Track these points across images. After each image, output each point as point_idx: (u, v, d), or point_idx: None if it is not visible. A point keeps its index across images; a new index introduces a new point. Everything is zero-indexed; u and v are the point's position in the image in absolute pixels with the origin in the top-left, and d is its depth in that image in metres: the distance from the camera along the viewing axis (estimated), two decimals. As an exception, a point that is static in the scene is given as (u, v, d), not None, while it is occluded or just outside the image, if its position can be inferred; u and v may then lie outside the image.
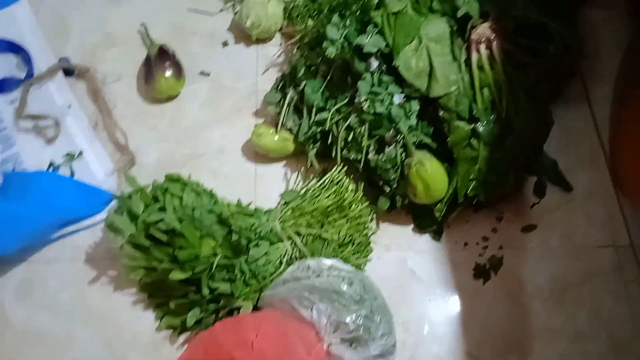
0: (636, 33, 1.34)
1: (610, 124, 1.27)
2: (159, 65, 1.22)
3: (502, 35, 1.02)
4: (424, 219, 1.14)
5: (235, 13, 1.35)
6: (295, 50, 1.27)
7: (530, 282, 1.12)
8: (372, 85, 1.04)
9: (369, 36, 1.04)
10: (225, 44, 1.34)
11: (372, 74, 1.05)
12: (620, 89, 1.30)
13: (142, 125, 1.25)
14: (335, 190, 1.05)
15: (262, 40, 1.34)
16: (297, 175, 1.20)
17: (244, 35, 1.32)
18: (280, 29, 1.34)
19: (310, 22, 1.23)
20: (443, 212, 1.09)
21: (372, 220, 1.15)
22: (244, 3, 1.27)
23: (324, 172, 1.17)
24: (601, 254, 1.15)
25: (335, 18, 1.07)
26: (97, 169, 1.18)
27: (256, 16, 1.26)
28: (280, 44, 1.35)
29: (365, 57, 1.06)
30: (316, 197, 1.05)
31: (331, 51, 1.05)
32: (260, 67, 1.32)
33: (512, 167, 1.04)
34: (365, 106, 1.03)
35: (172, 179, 1.08)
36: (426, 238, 1.17)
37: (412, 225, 1.18)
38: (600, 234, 1.17)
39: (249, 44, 1.34)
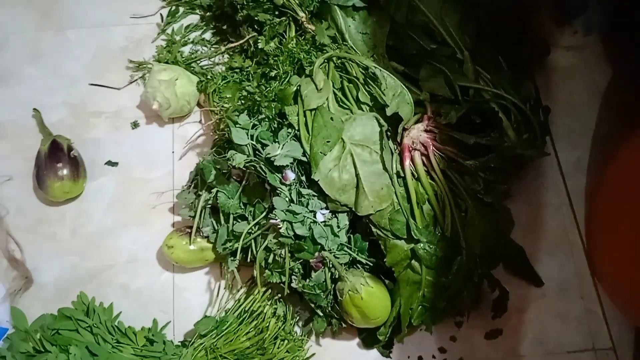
0: (615, 82, 1.14)
1: (587, 197, 1.08)
2: (50, 167, 1.03)
3: (441, 136, 0.83)
4: (369, 336, 0.97)
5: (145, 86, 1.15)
6: (212, 132, 1.08)
7: (497, 401, 0.96)
8: (290, 201, 0.85)
9: (282, 145, 0.84)
10: (135, 124, 1.14)
11: (290, 187, 0.86)
12: (597, 154, 1.11)
13: (39, 235, 1.07)
14: (255, 325, 0.88)
15: (178, 118, 1.14)
16: (221, 285, 1.03)
17: (156, 113, 1.13)
18: (199, 104, 1.14)
19: (225, 101, 1.03)
20: (387, 335, 0.92)
21: (308, 340, 0.98)
22: (148, 82, 1.08)
23: (252, 280, 0.99)
24: (579, 360, 0.99)
25: (243, 118, 0.88)
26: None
27: (163, 98, 1.06)
28: (201, 120, 1.15)
29: (279, 167, 0.86)
30: (234, 333, 0.88)
31: (239, 161, 0.86)
32: (177, 150, 1.13)
33: (465, 288, 0.86)
34: (282, 229, 0.84)
35: (64, 315, 0.91)
36: (374, 354, 1.00)
37: (357, 340, 1.00)
38: (577, 336, 1.01)
39: (163, 124, 1.15)
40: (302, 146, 0.87)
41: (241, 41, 1.10)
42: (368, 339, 0.99)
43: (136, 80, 1.17)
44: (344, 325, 0.94)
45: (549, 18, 1.14)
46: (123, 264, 1.06)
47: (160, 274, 1.05)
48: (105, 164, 1.12)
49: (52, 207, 1.10)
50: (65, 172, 1.03)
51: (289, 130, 0.89)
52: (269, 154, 0.85)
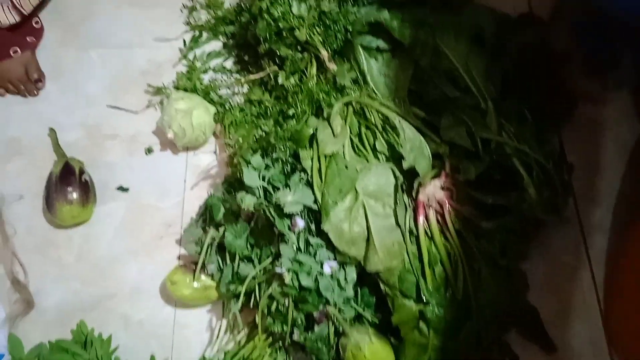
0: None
1: (607, 261, 1.04)
2: (60, 190, 1.02)
3: (459, 194, 0.80)
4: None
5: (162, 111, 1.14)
6: (227, 164, 1.06)
7: None
8: (297, 249, 0.83)
9: (293, 191, 0.82)
10: (149, 150, 1.13)
11: (298, 235, 0.83)
12: (621, 216, 1.07)
13: (45, 257, 1.06)
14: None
15: (193, 147, 1.12)
16: (222, 325, 1.00)
17: (171, 140, 1.11)
18: (215, 134, 1.12)
19: (241, 136, 1.01)
20: (389, 393, 0.88)
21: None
22: (165, 110, 1.06)
23: (254, 322, 0.96)
24: None
25: (256, 159, 0.86)
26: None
27: (179, 127, 1.05)
28: (215, 150, 1.13)
29: (289, 214, 0.84)
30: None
31: (249, 203, 0.84)
32: (189, 180, 1.11)
33: (474, 353, 0.83)
34: (287, 279, 0.82)
35: (61, 347, 0.89)
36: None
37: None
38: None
39: (177, 152, 1.13)
40: (313, 193, 0.84)
41: (261, 74, 1.08)
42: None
43: (154, 104, 1.16)
44: (345, 380, 0.90)
45: (579, 70, 1.10)
46: (126, 294, 1.04)
47: (162, 308, 1.03)
48: (117, 189, 1.10)
49: (59, 230, 1.09)
50: (74, 196, 1.02)
51: (302, 175, 0.86)
52: (279, 199, 0.82)
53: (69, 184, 1.03)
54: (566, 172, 0.95)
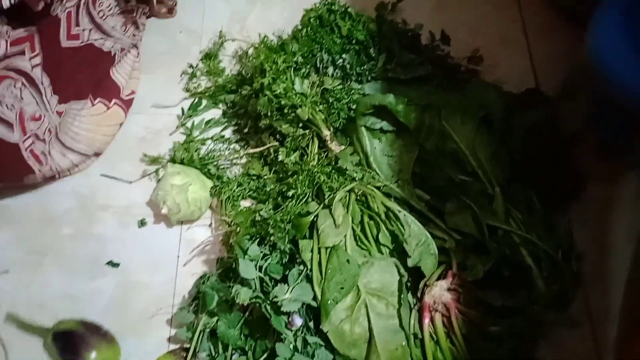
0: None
1: (616, 348, 0.99)
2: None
3: (465, 297, 0.76)
4: None
5: (158, 181, 1.10)
6: (222, 241, 1.02)
7: None
8: (295, 349, 0.78)
9: (292, 284, 0.78)
10: (142, 223, 1.09)
11: (295, 334, 0.79)
12: (631, 299, 1.02)
13: (27, 336, 1.00)
14: None
15: (188, 221, 1.08)
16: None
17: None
18: (211, 207, 1.08)
19: (241, 220, 0.97)
20: None
21: None
22: (159, 185, 1.03)
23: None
24: None
25: (253, 248, 0.82)
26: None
27: (173, 203, 1.01)
28: (211, 224, 1.09)
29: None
30: None
31: (244, 297, 0.79)
32: (183, 256, 1.07)
33: None
34: (283, 382, 0.77)
35: None
36: None
37: None
38: None
39: (170, 225, 1.09)
40: (313, 289, 0.80)
41: (261, 148, 1.05)
42: None
43: (149, 174, 1.12)
44: None
45: (588, 151, 1.07)
46: (116, 377, 0.98)
47: (152, 396, 0.97)
48: (107, 264, 1.06)
49: (43, 308, 1.03)
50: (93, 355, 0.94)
51: (301, 268, 0.82)
52: (276, 297, 0.78)
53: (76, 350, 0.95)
54: (575, 262, 0.91)
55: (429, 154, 0.96)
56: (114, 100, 1.13)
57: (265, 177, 1.04)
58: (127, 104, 1.15)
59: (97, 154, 1.13)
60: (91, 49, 1.12)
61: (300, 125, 1.02)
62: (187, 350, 0.94)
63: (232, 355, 0.89)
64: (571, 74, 1.11)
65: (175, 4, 1.29)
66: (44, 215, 1.11)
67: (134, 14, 1.20)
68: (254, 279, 0.83)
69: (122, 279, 1.06)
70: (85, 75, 1.12)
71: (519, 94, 1.12)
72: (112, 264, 1.06)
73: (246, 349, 0.87)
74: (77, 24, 1.10)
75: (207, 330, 0.93)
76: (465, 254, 0.84)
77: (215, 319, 0.89)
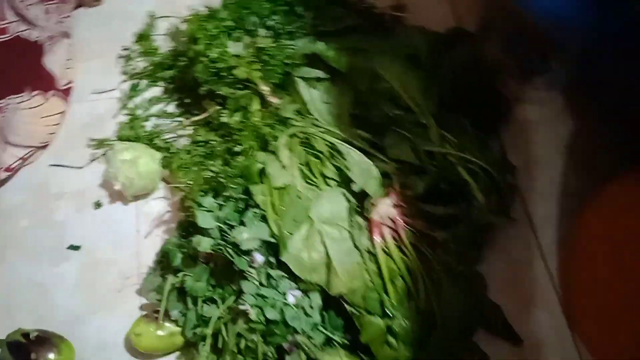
0: (577, 134, 1.15)
1: (559, 250, 1.08)
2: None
3: (410, 209, 0.82)
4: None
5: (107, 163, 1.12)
6: (178, 209, 1.05)
7: None
8: (260, 284, 0.82)
9: (250, 226, 0.82)
10: (97, 204, 1.11)
11: (258, 270, 0.83)
12: (567, 207, 1.11)
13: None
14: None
15: (142, 195, 1.11)
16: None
17: (120, 191, 1.10)
18: (163, 179, 1.11)
19: (190, 178, 1.00)
20: (369, 416, 0.88)
21: None
22: (110, 162, 1.05)
23: None
24: None
25: (208, 200, 0.86)
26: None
27: (126, 178, 1.04)
28: (165, 197, 1.12)
29: (247, 250, 0.84)
30: None
31: (205, 246, 0.83)
32: (142, 229, 1.09)
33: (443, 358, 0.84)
34: (252, 315, 0.81)
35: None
36: None
37: (338, 420, 0.96)
38: (562, 400, 0.97)
39: (126, 202, 1.12)
40: (269, 227, 0.85)
41: (204, 115, 1.08)
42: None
43: (98, 158, 1.14)
44: (323, 409, 0.90)
45: (511, 77, 1.15)
46: (90, 354, 1.00)
47: (130, 362, 1.00)
48: (68, 248, 1.08)
49: (15, 297, 1.04)
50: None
51: (255, 210, 0.86)
52: (235, 238, 0.82)
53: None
54: (510, 174, 0.98)
55: (364, 94, 1.02)
56: (51, 91, 1.14)
57: (213, 141, 1.07)
58: (65, 93, 1.17)
59: (43, 145, 1.14)
60: (19, 41, 1.13)
61: (239, 86, 1.05)
62: (158, 312, 0.96)
63: (202, 307, 0.93)
64: (487, 8, 1.19)
65: (102, -10, 1.30)
66: (-1, 210, 1.11)
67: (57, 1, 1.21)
68: (213, 229, 0.87)
69: (85, 260, 1.08)
70: (17, 68, 1.12)
71: (444, 33, 1.19)
72: (73, 247, 1.08)
73: (215, 297, 0.90)
74: (2, 18, 1.11)
75: (175, 288, 0.95)
76: (406, 175, 0.90)
77: (181, 275, 0.92)
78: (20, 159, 1.10)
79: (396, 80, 1.02)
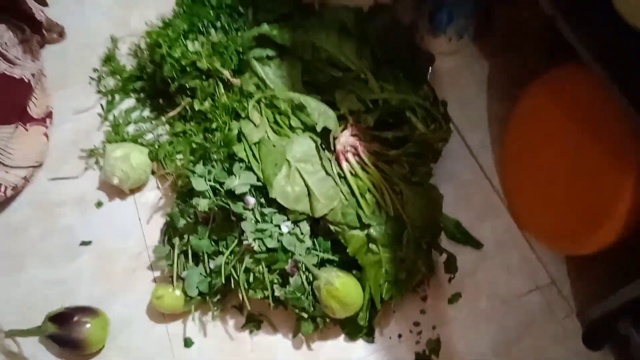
0: (493, 72, 1.38)
1: (497, 166, 1.29)
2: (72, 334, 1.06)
3: (365, 137, 1.01)
4: (351, 327, 1.10)
5: (101, 169, 1.27)
6: (172, 192, 1.21)
7: (473, 353, 1.11)
8: (256, 222, 0.99)
9: (238, 175, 1.00)
10: (99, 204, 1.26)
11: (253, 211, 1.00)
12: (495, 128, 1.33)
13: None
14: None
15: (137, 189, 1.27)
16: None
17: (117, 189, 1.25)
18: (153, 172, 1.27)
19: (178, 162, 1.17)
20: (366, 318, 1.05)
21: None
22: (105, 162, 1.21)
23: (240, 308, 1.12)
24: (529, 300, 1.16)
25: (199, 168, 1.03)
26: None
27: (122, 172, 1.19)
28: (158, 186, 1.28)
29: (240, 196, 1.01)
30: None
31: (203, 205, 1.00)
32: (143, 217, 1.25)
33: (418, 257, 1.03)
34: (255, 247, 0.98)
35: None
36: (361, 343, 1.13)
37: (343, 335, 1.13)
38: (522, 280, 1.18)
39: (124, 197, 1.27)
40: (255, 174, 1.02)
41: (178, 108, 1.25)
42: (351, 331, 1.11)
43: (91, 166, 1.29)
44: (328, 320, 1.06)
45: (426, 33, 1.37)
46: (118, 329, 1.14)
47: (154, 328, 1.14)
48: (80, 244, 1.22)
49: (36, 292, 1.17)
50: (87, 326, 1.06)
51: (241, 164, 1.04)
52: (228, 186, 0.99)
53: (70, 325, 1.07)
54: (442, 106, 1.19)
55: (310, 63, 1.21)
56: (28, 124, 1.29)
57: (190, 129, 1.24)
58: (43, 120, 1.32)
59: (39, 165, 1.29)
60: (4, 78, 1.28)
61: (204, 77, 1.23)
62: (172, 277, 1.12)
63: (208, 263, 1.08)
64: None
65: (62, 28, 1.47)
66: (8, 227, 1.25)
67: (30, 43, 1.37)
68: (207, 190, 1.04)
69: (97, 253, 1.22)
70: (5, 102, 1.27)
71: (367, 11, 1.40)
72: (85, 243, 1.22)
73: (220, 249, 1.06)
74: (-15, 59, 1.26)
75: (183, 252, 1.11)
76: (357, 114, 1.09)
77: (187, 237, 1.08)
78: (23, 178, 1.24)
79: (334, 48, 1.22)
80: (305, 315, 1.04)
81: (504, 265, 1.19)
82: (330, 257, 1.03)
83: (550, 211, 1.15)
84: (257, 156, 1.03)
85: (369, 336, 1.10)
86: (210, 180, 1.04)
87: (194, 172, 1.04)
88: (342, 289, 1.00)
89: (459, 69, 1.41)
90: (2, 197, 1.19)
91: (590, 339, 1.09)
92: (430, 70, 1.36)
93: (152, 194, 1.27)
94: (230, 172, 1.04)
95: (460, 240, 1.18)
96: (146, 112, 1.36)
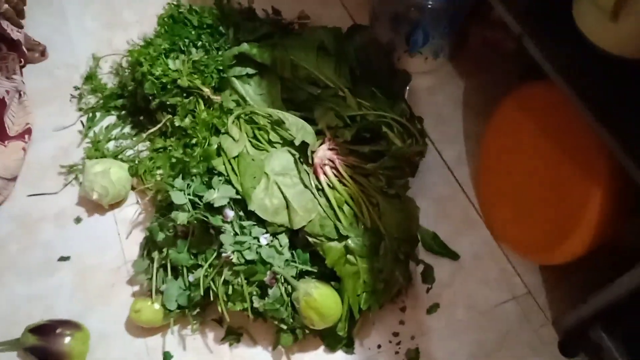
0: (468, 90, 1.42)
1: (473, 180, 1.32)
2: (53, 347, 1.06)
3: (342, 150, 1.04)
4: (331, 338, 1.11)
5: (80, 184, 1.28)
6: (151, 207, 1.22)
7: (452, 363, 1.12)
8: (235, 234, 1.01)
9: (217, 189, 1.01)
10: (78, 220, 1.26)
11: (232, 223, 1.02)
12: (470, 144, 1.37)
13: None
14: None
15: (116, 204, 1.27)
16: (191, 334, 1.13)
17: (96, 205, 1.26)
18: (133, 188, 1.28)
19: (157, 177, 1.18)
20: (346, 329, 1.06)
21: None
22: (84, 177, 1.21)
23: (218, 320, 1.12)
24: (505, 310, 1.18)
25: (178, 181, 1.04)
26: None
27: (101, 187, 1.20)
28: (137, 201, 1.29)
29: (219, 209, 1.03)
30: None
31: (182, 218, 1.01)
32: (122, 232, 1.25)
33: (395, 267, 1.04)
34: (234, 259, 0.99)
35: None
36: (340, 354, 1.14)
37: (322, 347, 1.14)
38: (498, 291, 1.20)
39: (103, 212, 1.27)
40: (234, 187, 1.04)
41: (159, 125, 1.27)
42: (331, 342, 1.12)
43: (70, 182, 1.30)
44: (307, 331, 1.07)
45: (403, 52, 1.41)
46: (95, 343, 1.14)
47: (133, 342, 1.14)
48: (59, 260, 1.22)
49: (15, 308, 1.17)
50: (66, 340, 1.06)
51: (220, 178, 1.05)
52: (207, 199, 1.01)
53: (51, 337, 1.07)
54: (418, 122, 1.22)
55: (289, 81, 1.24)
56: (6, 141, 1.29)
57: (170, 145, 1.26)
58: (21, 135, 1.33)
59: (13, 178, 1.29)
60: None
61: (184, 94, 1.25)
62: (151, 291, 1.12)
63: (187, 276, 1.09)
64: (373, 7, 1.46)
65: (44, 47, 1.49)
66: (-12, 243, 1.24)
67: (5, 61, 1.38)
68: (186, 203, 1.05)
69: (76, 268, 1.22)
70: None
71: (345, 31, 1.44)
72: (63, 258, 1.22)
73: (199, 262, 1.07)
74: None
75: (162, 266, 1.12)
76: (335, 129, 1.12)
77: (165, 251, 1.09)
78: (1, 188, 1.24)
79: (312, 66, 1.26)
80: (285, 327, 1.05)
81: (481, 276, 1.21)
82: (309, 268, 1.04)
83: (524, 222, 1.18)
84: (236, 170, 1.04)
85: (349, 347, 1.11)
86: (189, 194, 1.05)
87: (173, 186, 1.05)
88: (321, 300, 1.01)
89: (435, 87, 1.45)
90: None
91: (566, 347, 1.11)
92: (407, 89, 1.40)
93: (131, 209, 1.28)
94: (209, 186, 1.05)
95: (437, 252, 1.20)
96: (127, 129, 1.37)
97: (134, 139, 1.34)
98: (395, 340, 1.14)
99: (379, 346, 1.14)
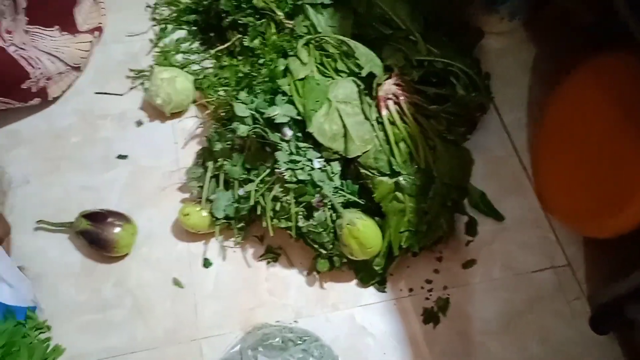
0: (539, 57, 1.39)
1: (530, 146, 1.31)
2: (103, 233, 1.11)
3: (408, 88, 1.04)
4: (366, 272, 1.13)
5: (145, 90, 1.32)
6: (211, 121, 1.25)
7: (479, 318, 1.13)
8: (290, 153, 1.03)
9: (279, 106, 1.03)
10: (139, 123, 1.30)
11: (289, 142, 1.04)
12: (532, 111, 1.35)
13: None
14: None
15: (177, 114, 1.31)
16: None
17: (158, 111, 1.29)
18: (194, 101, 1.31)
19: (221, 91, 1.20)
20: (382, 265, 1.08)
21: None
22: (151, 82, 1.25)
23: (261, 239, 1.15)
24: (542, 278, 1.17)
25: (243, 95, 1.06)
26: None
27: (166, 94, 1.23)
28: (197, 115, 1.32)
29: (278, 127, 1.04)
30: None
31: (243, 130, 1.03)
32: (179, 141, 1.29)
33: (441, 213, 1.05)
34: (287, 176, 1.01)
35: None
36: (371, 290, 1.16)
37: (355, 280, 1.16)
38: (538, 258, 1.19)
39: (164, 120, 1.31)
40: (296, 108, 1.05)
41: (228, 43, 1.29)
42: (365, 276, 1.14)
43: (136, 86, 1.34)
44: (344, 260, 1.09)
45: (479, 9, 1.39)
46: (141, 239, 1.18)
47: (176, 245, 1.18)
48: (117, 157, 1.26)
49: (68, 201, 1.22)
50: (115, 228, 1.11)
51: (283, 97, 1.07)
52: (268, 114, 1.03)
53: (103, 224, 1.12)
54: (485, 78, 1.21)
55: (362, 17, 1.23)
56: (77, 33, 1.32)
57: (237, 64, 1.27)
58: (92, 31, 1.35)
59: (76, 68, 1.33)
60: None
61: (257, 16, 1.26)
62: (200, 199, 1.15)
63: (238, 189, 1.12)
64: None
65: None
66: (51, 132, 1.30)
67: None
68: (248, 116, 1.07)
69: (132, 167, 1.27)
70: (53, 7, 1.30)
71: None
72: (121, 157, 1.27)
73: (251, 177, 1.10)
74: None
75: (214, 176, 1.14)
76: (403, 68, 1.12)
77: (220, 161, 1.11)
78: (61, 72, 1.27)
79: (388, 6, 1.24)
80: (323, 252, 1.07)
81: (522, 241, 1.20)
82: (357, 199, 1.05)
83: (578, 193, 1.16)
84: (300, 92, 1.05)
85: (381, 284, 1.13)
86: (251, 109, 1.07)
87: (237, 98, 1.07)
88: (364, 231, 1.03)
89: (506, 49, 1.42)
90: (35, 82, 1.22)
91: (598, 322, 1.10)
92: (477, 46, 1.37)
93: (191, 121, 1.31)
94: (272, 104, 1.07)
95: (483, 210, 1.20)
96: (196, 45, 1.39)
97: (202, 54, 1.36)
98: (427, 287, 1.16)
99: (411, 289, 1.15)
